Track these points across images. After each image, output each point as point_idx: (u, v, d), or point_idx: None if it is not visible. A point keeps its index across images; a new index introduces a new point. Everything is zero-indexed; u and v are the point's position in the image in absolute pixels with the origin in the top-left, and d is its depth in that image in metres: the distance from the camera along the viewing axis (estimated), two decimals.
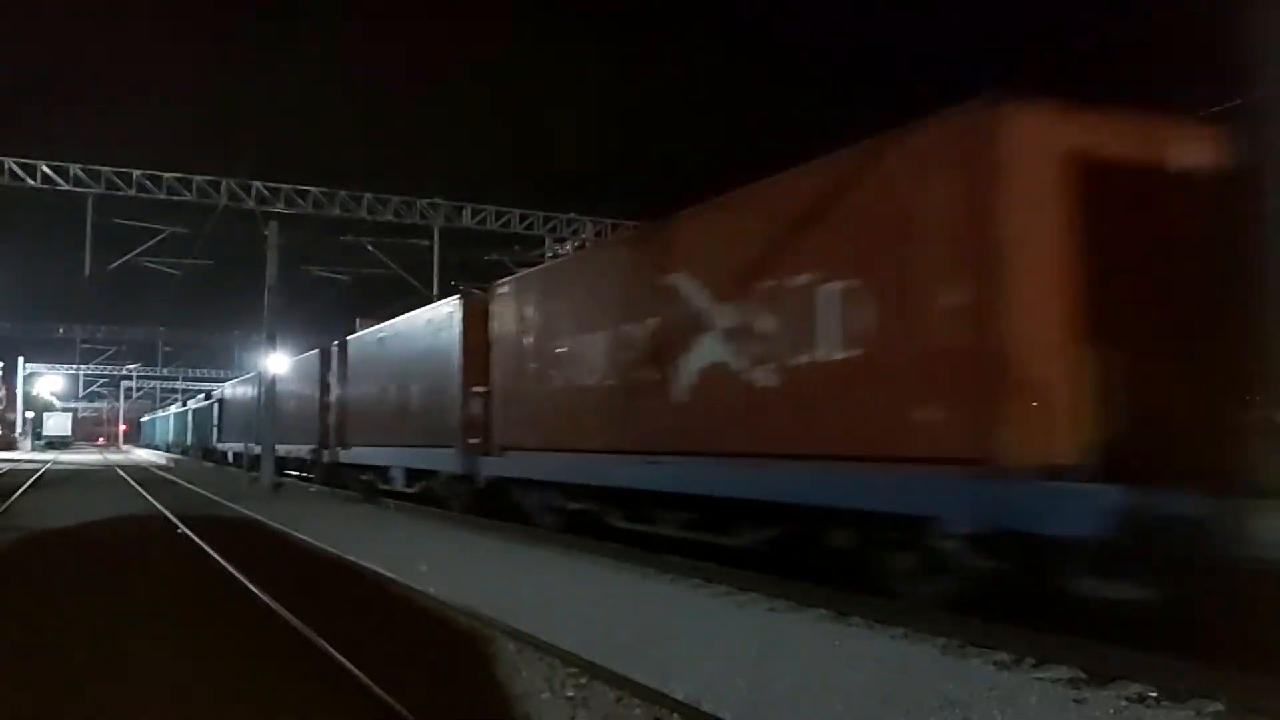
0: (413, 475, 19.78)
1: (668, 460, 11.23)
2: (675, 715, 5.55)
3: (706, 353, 10.63)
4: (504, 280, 17.06)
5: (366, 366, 23.53)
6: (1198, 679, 5.92)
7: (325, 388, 26.59)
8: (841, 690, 6.03)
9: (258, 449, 31.23)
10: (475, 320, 17.07)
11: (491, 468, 15.99)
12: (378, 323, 23.46)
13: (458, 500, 17.70)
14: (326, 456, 26.13)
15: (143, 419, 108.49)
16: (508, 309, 16.13)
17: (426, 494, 19.12)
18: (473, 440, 16.51)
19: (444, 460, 17.71)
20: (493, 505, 16.28)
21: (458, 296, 18.23)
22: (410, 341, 20.35)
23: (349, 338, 25.16)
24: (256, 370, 32.54)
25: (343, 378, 25.22)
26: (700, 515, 10.94)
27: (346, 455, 24.28)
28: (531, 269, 19.08)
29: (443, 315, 18.58)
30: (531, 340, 15.09)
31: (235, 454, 39.25)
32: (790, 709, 5.66)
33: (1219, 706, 5.61)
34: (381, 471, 21.62)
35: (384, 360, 22.07)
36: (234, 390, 44.67)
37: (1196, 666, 6.03)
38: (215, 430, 48.62)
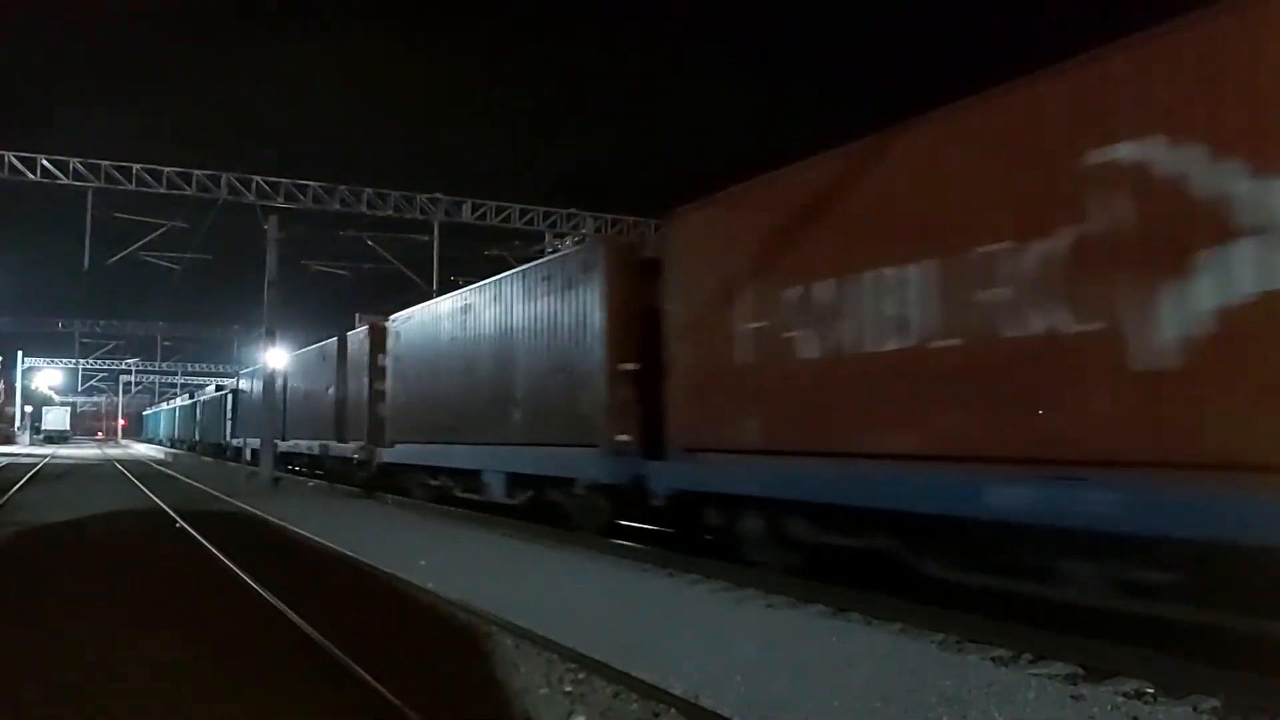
0: (519, 483, 15.36)
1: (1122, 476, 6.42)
2: (672, 711, 5.56)
3: (1240, 274, 5.88)
4: (696, 205, 11.27)
5: (441, 345, 18.97)
6: (1195, 675, 5.93)
7: (375, 373, 22.60)
8: (840, 687, 6.03)
9: (286, 444, 29.63)
10: (625, 271, 12.87)
11: (680, 478, 11.05)
12: (378, 316, 23.10)
13: (595, 517, 13.42)
14: (379, 455, 21.81)
15: (145, 412, 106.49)
16: (702, 247, 11.10)
17: (541, 507, 14.78)
18: (622, 437, 12.39)
19: (579, 464, 13.15)
20: (663, 525, 12.92)
21: (595, 242, 14.83)
22: (512, 309, 15.83)
23: (412, 309, 21.39)
24: (288, 355, 29.25)
25: (402, 360, 21.06)
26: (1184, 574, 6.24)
27: (408, 454, 20.00)
28: (756, 179, 10.77)
29: (569, 270, 14.12)
30: (753, 287, 9.99)
31: (254, 451, 33.06)
32: (789, 706, 5.66)
33: (1216, 703, 5.62)
34: (464, 476, 17.44)
35: (469, 335, 17.64)
36: (254, 381, 36.79)
37: (1194, 663, 6.04)
38: (229, 424, 44.87)
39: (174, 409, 77.84)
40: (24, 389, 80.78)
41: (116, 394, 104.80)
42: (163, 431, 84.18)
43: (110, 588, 9.88)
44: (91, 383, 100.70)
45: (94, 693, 5.98)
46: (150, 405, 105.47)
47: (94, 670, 6.55)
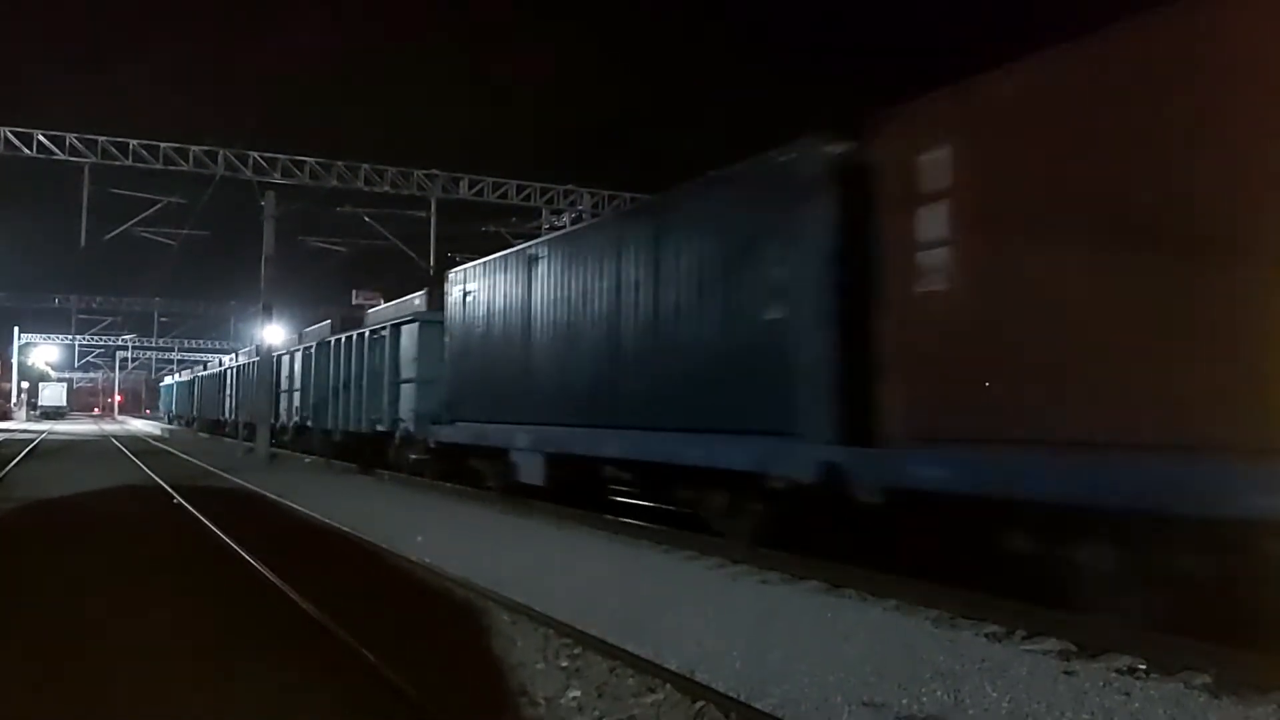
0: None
1: None
2: (668, 685, 5.59)
3: None
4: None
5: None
6: (1186, 652, 5.97)
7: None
8: (835, 662, 6.07)
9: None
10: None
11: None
12: (374, 293, 22.98)
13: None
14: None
15: (163, 382, 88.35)
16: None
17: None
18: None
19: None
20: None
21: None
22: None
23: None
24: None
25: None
26: None
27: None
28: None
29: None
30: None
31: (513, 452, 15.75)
32: (785, 681, 5.69)
33: (1207, 678, 5.66)
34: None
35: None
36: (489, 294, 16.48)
37: (1185, 639, 6.08)
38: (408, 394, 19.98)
39: (219, 374, 48.45)
40: (20, 365, 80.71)
41: (113, 370, 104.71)
42: (200, 407, 54.36)
43: (107, 562, 9.91)
44: (88, 358, 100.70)
45: (96, 657, 6.02)
46: (165, 372, 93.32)
47: (94, 637, 6.58)
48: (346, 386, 23.24)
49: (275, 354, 29.85)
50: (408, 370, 19.64)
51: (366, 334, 22.42)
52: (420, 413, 18.46)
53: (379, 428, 20.93)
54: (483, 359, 15.82)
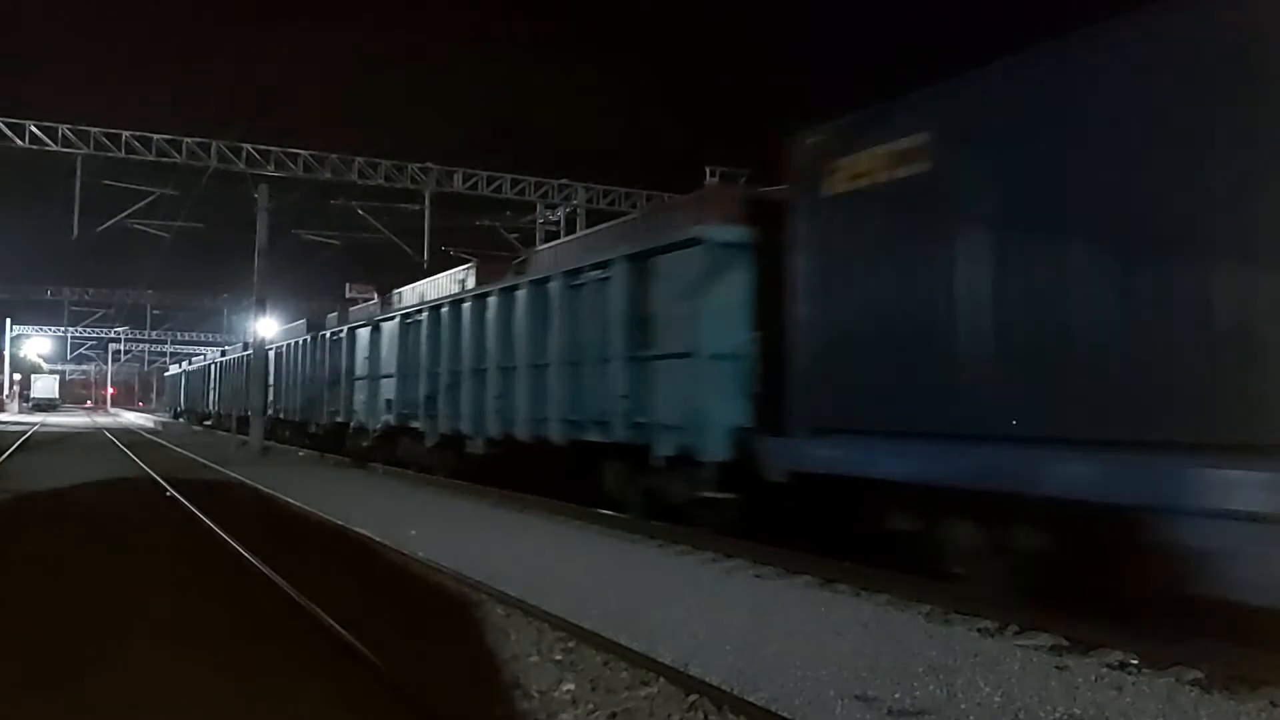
0: None
1: None
2: (661, 679, 5.60)
3: None
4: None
5: None
6: (1179, 647, 5.99)
7: None
8: (827, 656, 6.08)
9: None
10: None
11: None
12: (368, 286, 22.79)
13: None
14: None
15: (167, 373, 79.99)
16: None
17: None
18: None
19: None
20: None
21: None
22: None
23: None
24: None
25: None
26: None
27: None
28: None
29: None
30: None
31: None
32: (778, 674, 5.70)
33: (1198, 674, 5.68)
34: None
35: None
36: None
37: (1177, 635, 6.10)
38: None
39: (244, 359, 33.07)
40: (13, 357, 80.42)
41: (106, 362, 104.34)
42: (215, 400, 44.62)
43: (103, 555, 9.88)
44: (80, 350, 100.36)
45: (90, 650, 6.01)
46: (159, 364, 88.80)
47: (88, 632, 6.57)
48: (504, 368, 14.79)
49: (349, 326, 22.68)
50: (675, 336, 10.93)
51: (554, 284, 13.51)
52: (713, 412, 10.17)
53: (585, 437, 12.52)
54: (1012, 281, 7.32)
